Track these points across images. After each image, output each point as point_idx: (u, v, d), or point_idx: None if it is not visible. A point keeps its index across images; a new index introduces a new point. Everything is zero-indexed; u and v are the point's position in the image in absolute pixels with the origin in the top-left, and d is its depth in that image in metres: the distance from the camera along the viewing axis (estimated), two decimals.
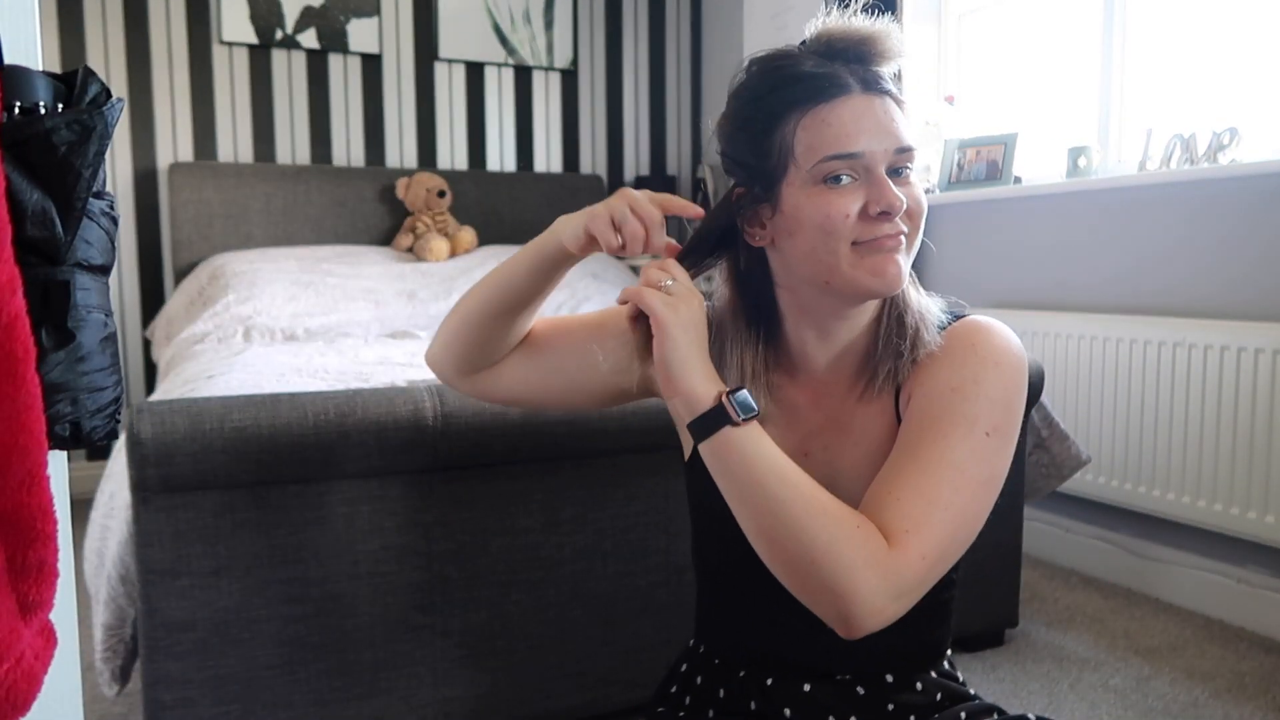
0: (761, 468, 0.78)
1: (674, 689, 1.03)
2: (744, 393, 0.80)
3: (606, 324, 1.00)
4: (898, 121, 0.83)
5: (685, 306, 0.82)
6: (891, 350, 0.89)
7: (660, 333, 0.80)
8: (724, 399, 0.79)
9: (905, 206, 0.83)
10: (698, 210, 0.87)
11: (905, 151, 0.83)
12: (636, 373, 0.94)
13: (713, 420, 0.79)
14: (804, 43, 0.87)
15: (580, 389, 1.02)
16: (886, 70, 0.85)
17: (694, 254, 0.91)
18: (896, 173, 0.84)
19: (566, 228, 0.90)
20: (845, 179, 0.81)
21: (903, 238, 0.84)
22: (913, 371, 0.88)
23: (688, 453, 0.99)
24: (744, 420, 0.78)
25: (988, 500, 0.82)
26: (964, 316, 0.91)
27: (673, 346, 0.80)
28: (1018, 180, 2.63)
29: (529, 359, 1.01)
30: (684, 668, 1.03)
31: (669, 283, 0.83)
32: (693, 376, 0.80)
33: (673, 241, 0.89)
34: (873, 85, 0.83)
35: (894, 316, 0.90)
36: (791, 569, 0.78)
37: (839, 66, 0.83)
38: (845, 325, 0.90)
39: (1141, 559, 2.29)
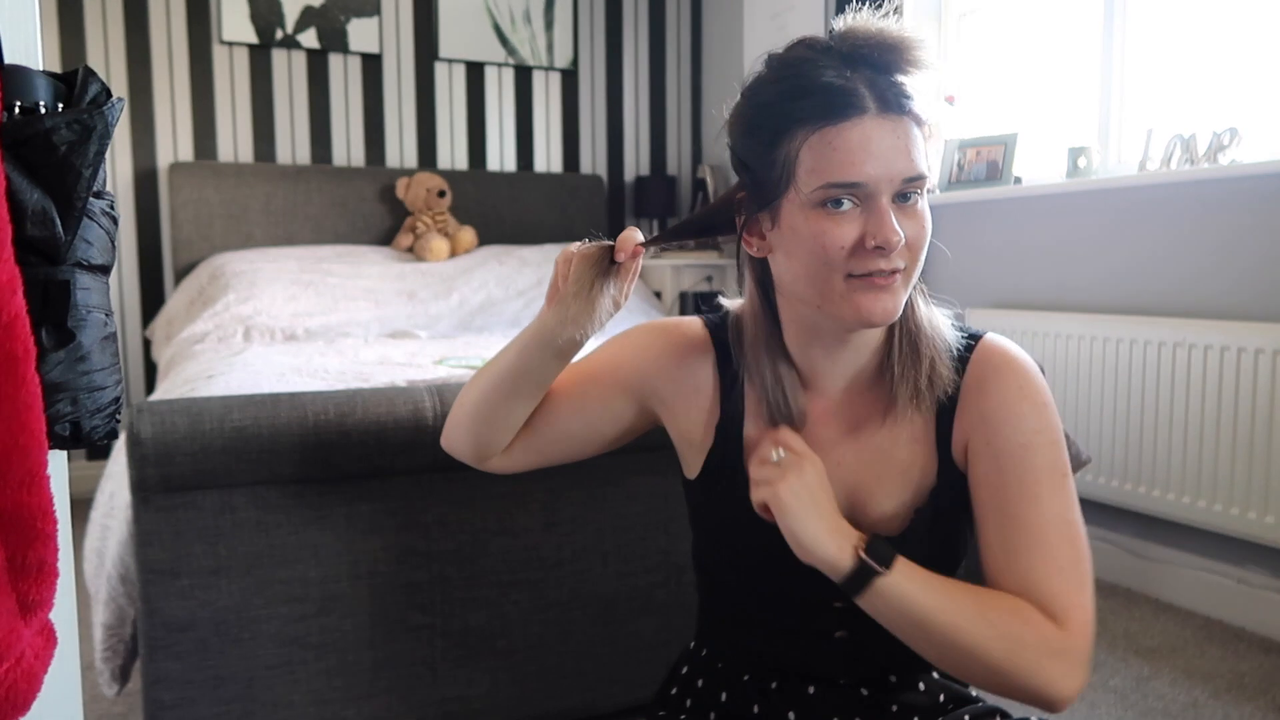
0: (920, 607, 0.78)
1: (674, 691, 1.03)
2: (876, 539, 0.81)
3: (600, 376, 0.99)
4: (912, 146, 0.79)
5: (794, 475, 0.82)
6: (909, 383, 0.88)
7: (778, 514, 0.81)
8: (860, 556, 0.79)
9: (903, 241, 0.79)
10: (633, 243, 0.86)
11: (915, 180, 0.79)
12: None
13: (859, 579, 0.79)
14: (831, 35, 0.82)
15: (593, 442, 1.01)
16: (913, 82, 0.80)
17: (674, 234, 0.91)
18: (905, 198, 0.80)
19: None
20: (846, 204, 0.78)
21: (898, 276, 0.81)
22: (959, 409, 0.88)
23: (690, 472, 0.98)
24: (886, 570, 0.79)
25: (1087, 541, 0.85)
26: (979, 336, 0.90)
27: (792, 521, 0.81)
28: (1018, 180, 2.63)
29: (537, 434, 1.00)
30: (685, 670, 1.03)
31: (776, 456, 0.83)
32: (822, 546, 0.80)
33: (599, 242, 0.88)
34: (891, 105, 0.78)
35: (906, 343, 0.88)
36: (983, 680, 0.80)
37: (858, 78, 0.78)
38: (850, 345, 0.89)
39: (1141, 559, 2.29)
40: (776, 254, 0.85)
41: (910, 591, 0.78)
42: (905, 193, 0.80)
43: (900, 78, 0.80)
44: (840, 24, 0.81)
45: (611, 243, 0.86)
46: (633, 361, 0.98)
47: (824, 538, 0.80)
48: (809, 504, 0.81)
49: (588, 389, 0.98)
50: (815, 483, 0.82)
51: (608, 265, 0.86)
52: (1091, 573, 0.83)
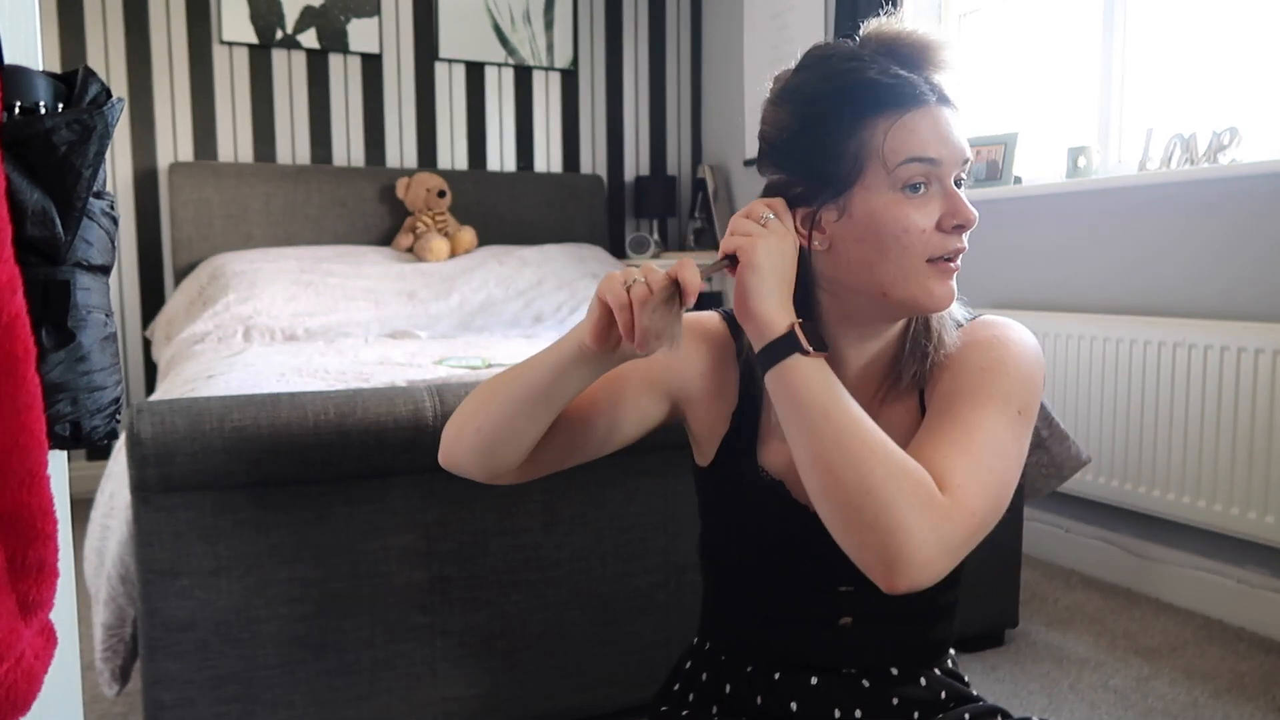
0: (826, 396, 0.79)
1: (678, 686, 1.03)
2: (816, 327, 0.82)
3: (628, 377, 0.96)
4: (961, 133, 0.85)
5: (775, 240, 0.83)
6: (918, 353, 0.91)
7: (745, 265, 0.82)
8: (795, 328, 0.80)
9: (976, 221, 0.84)
10: (699, 286, 0.82)
11: (966, 163, 0.86)
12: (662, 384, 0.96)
13: (782, 348, 0.80)
14: (860, 39, 0.86)
15: (612, 442, 0.99)
16: (942, 80, 0.86)
17: (721, 263, 0.88)
18: (956, 184, 0.85)
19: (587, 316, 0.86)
20: (922, 188, 0.82)
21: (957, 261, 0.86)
22: (936, 370, 0.90)
23: (703, 459, 0.99)
24: (814, 352, 0.80)
25: (1017, 479, 0.83)
26: (978, 316, 0.94)
27: (751, 275, 0.81)
28: (1018, 180, 2.63)
29: (556, 443, 0.96)
30: (689, 665, 1.04)
31: (769, 216, 0.84)
32: (766, 303, 0.81)
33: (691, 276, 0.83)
34: (943, 97, 0.85)
35: (922, 320, 0.91)
36: (843, 503, 0.76)
37: (909, 74, 0.83)
38: (882, 331, 0.91)
39: (1141, 559, 2.29)
40: (838, 245, 0.86)
41: (822, 381, 0.79)
42: (958, 179, 0.85)
43: (937, 76, 0.85)
44: (868, 28, 0.86)
45: (672, 277, 0.82)
46: (665, 360, 0.97)
47: (773, 300, 0.82)
48: (777, 269, 0.82)
49: (615, 391, 0.97)
50: (790, 257, 0.84)
51: (678, 305, 0.83)
52: (996, 491, 0.79)
